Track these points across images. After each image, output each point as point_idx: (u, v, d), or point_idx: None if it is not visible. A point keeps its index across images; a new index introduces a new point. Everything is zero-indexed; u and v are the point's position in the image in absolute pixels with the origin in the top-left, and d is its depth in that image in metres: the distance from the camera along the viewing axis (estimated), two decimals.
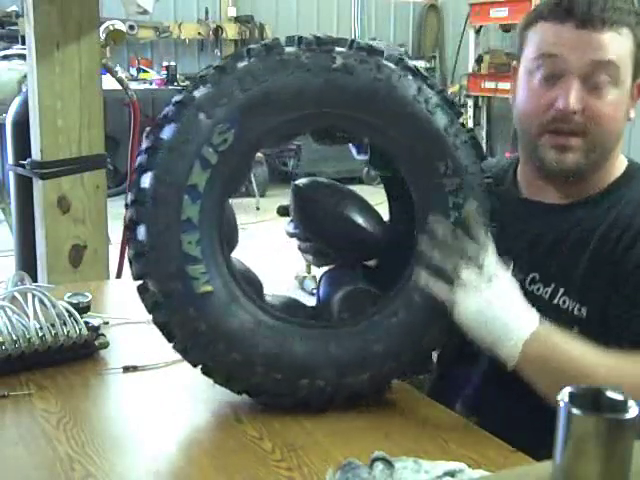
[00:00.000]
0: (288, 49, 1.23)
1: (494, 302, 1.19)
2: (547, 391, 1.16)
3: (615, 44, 1.29)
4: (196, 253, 1.21)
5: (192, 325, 1.22)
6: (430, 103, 1.29)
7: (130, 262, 1.25)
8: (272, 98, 1.21)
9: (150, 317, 1.26)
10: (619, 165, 1.38)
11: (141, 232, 1.21)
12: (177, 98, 1.23)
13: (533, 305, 1.35)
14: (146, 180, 1.21)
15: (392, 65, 1.26)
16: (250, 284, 1.30)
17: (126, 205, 1.25)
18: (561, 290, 1.33)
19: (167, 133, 1.21)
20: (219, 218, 1.24)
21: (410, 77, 1.27)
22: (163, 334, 1.27)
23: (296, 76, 1.21)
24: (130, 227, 1.23)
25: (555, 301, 1.33)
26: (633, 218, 1.29)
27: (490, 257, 1.21)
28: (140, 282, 1.24)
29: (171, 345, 1.27)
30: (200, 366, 1.27)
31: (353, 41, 1.25)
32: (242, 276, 1.29)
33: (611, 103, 1.30)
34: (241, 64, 1.22)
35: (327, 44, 1.23)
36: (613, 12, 1.28)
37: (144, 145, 1.23)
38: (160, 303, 1.23)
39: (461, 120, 1.33)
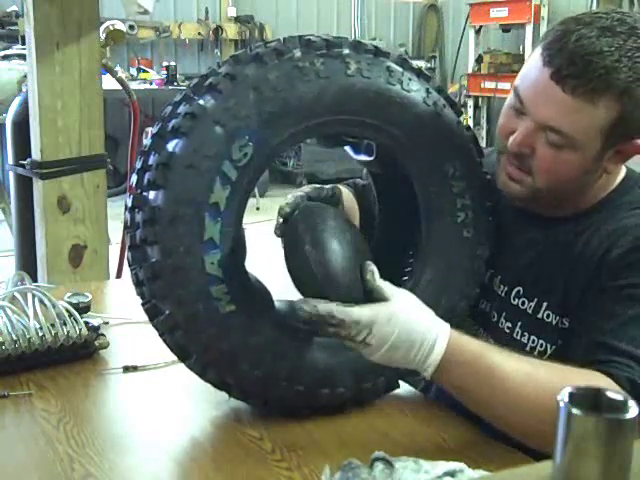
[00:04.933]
0: (298, 53, 1.18)
1: (396, 340, 1.11)
2: (468, 398, 1.17)
3: (579, 115, 1.18)
4: (218, 273, 1.15)
5: (215, 346, 1.18)
6: (438, 105, 1.28)
7: (139, 283, 1.19)
8: (291, 107, 1.16)
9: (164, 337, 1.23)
10: (613, 180, 1.33)
11: (155, 253, 1.14)
12: (187, 109, 1.15)
13: (518, 319, 1.35)
14: (159, 198, 1.13)
15: (400, 68, 1.25)
16: (263, 296, 1.27)
17: (128, 224, 1.18)
18: (544, 304, 1.31)
19: (180, 148, 1.13)
20: (237, 234, 1.19)
21: (416, 79, 1.27)
22: (177, 354, 1.24)
23: (313, 84, 1.17)
24: (140, 247, 1.16)
25: (539, 315, 1.32)
26: (611, 234, 1.25)
27: (361, 318, 1.10)
28: (151, 304, 1.19)
29: (186, 363, 1.24)
30: (218, 383, 1.25)
31: (359, 42, 1.23)
32: (256, 288, 1.26)
33: (562, 162, 1.23)
34: (252, 71, 1.16)
35: (336, 46, 1.20)
36: (599, 77, 1.16)
37: (152, 160, 1.15)
38: (179, 325, 1.18)
39: (461, 119, 1.33)
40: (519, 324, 1.35)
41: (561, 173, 1.25)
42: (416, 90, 1.26)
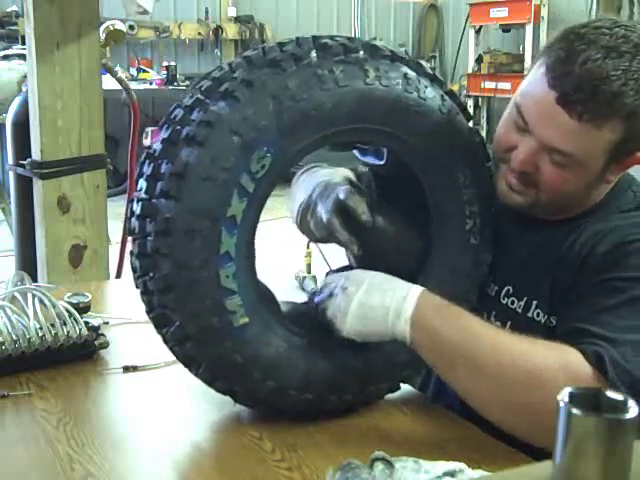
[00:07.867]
0: (315, 58, 1.14)
1: (371, 281, 1.20)
2: (439, 360, 1.19)
3: (585, 139, 1.19)
4: (233, 286, 1.14)
5: (228, 358, 1.17)
6: (452, 112, 1.27)
7: (146, 292, 1.17)
8: (310, 117, 1.13)
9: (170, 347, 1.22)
10: (608, 185, 1.33)
11: (168, 265, 1.11)
12: (202, 117, 1.11)
13: (508, 319, 1.35)
14: (172, 209, 1.10)
15: (415, 73, 1.23)
16: (271, 301, 1.25)
17: (136, 231, 1.14)
18: (534, 302, 1.32)
19: (195, 158, 1.09)
20: (252, 246, 1.17)
21: (431, 85, 1.25)
22: (185, 363, 1.23)
23: (332, 92, 1.14)
24: (150, 257, 1.13)
25: (529, 314, 1.32)
26: (597, 233, 1.26)
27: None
28: (159, 313, 1.17)
29: (193, 372, 1.23)
30: (225, 391, 1.24)
31: (374, 46, 1.21)
32: (265, 296, 1.24)
33: (567, 178, 1.24)
34: (270, 78, 1.12)
35: (353, 51, 1.17)
36: (606, 102, 1.16)
37: (165, 169, 1.11)
38: (191, 338, 1.16)
39: (471, 123, 1.33)
40: (509, 324, 1.35)
41: (566, 188, 1.26)
42: (432, 98, 1.24)
